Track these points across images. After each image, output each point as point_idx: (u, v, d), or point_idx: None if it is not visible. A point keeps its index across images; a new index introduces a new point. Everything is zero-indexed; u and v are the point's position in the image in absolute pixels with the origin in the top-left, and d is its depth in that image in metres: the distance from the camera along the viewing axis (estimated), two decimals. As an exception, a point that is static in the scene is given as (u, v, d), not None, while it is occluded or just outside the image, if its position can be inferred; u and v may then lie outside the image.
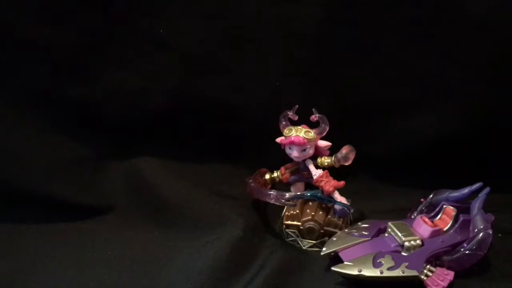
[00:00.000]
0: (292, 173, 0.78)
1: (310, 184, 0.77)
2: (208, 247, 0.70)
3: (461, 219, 0.69)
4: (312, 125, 0.76)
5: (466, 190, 0.72)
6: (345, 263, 0.65)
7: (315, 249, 0.73)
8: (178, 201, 0.80)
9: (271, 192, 0.73)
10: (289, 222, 0.74)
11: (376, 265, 0.64)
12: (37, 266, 0.70)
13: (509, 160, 0.82)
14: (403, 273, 0.63)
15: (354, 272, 0.63)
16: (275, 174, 0.79)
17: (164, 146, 0.87)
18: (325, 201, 0.74)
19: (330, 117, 0.75)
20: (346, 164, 0.75)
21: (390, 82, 0.83)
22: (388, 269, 0.63)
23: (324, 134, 0.75)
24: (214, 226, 0.74)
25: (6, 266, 0.69)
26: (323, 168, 0.76)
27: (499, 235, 0.73)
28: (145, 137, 0.87)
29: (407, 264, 0.64)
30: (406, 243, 0.67)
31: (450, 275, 0.64)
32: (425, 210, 0.74)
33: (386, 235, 0.70)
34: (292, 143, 0.73)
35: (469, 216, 0.69)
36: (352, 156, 0.74)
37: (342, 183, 0.74)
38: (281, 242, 0.74)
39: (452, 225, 0.69)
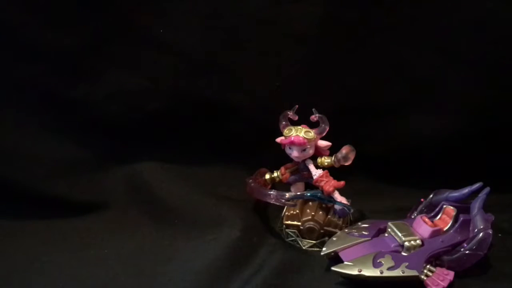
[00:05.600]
0: (292, 173, 0.78)
1: (310, 184, 0.77)
2: (205, 247, 0.70)
3: (461, 219, 0.69)
4: (312, 125, 0.76)
5: (466, 190, 0.72)
6: (345, 263, 0.65)
7: (315, 249, 0.73)
8: (176, 201, 0.80)
9: (271, 192, 0.73)
10: (289, 222, 0.74)
11: (376, 265, 0.64)
12: (34, 265, 0.70)
13: (509, 160, 0.82)
14: (403, 273, 0.63)
15: (354, 272, 0.63)
16: (275, 174, 0.79)
17: (163, 146, 0.87)
18: (325, 201, 0.74)
19: (330, 117, 0.75)
20: (346, 164, 0.75)
21: (390, 82, 0.83)
22: (388, 269, 0.63)
23: (324, 134, 0.75)
24: (212, 226, 0.74)
25: (3, 264, 0.70)
26: (323, 168, 0.76)
27: (499, 235, 0.73)
28: (144, 137, 0.87)
29: (407, 264, 0.64)
30: (406, 243, 0.67)
31: (450, 275, 0.64)
32: (425, 210, 0.74)
33: (386, 235, 0.70)
34: (292, 143, 0.73)
35: (469, 216, 0.69)
36: (352, 156, 0.74)
37: (342, 183, 0.74)
38: (281, 242, 0.74)
39: (452, 225, 0.69)
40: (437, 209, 0.72)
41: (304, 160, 0.76)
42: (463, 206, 0.71)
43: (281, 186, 0.80)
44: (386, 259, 0.65)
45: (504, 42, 0.78)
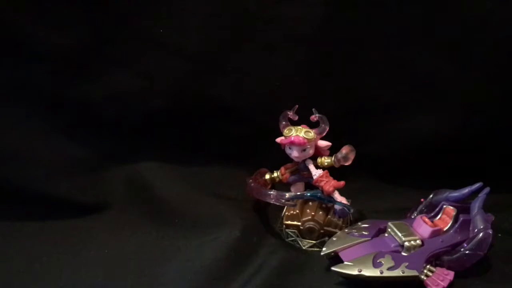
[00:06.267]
0: (292, 173, 0.78)
1: (310, 184, 0.77)
2: (205, 247, 0.70)
3: (461, 219, 0.69)
4: (312, 125, 0.76)
5: (466, 190, 0.72)
6: (345, 263, 0.65)
7: (315, 249, 0.73)
8: (176, 201, 0.80)
9: (271, 192, 0.73)
10: (289, 222, 0.74)
11: (376, 265, 0.64)
12: (35, 265, 0.70)
13: (509, 160, 0.82)
14: (403, 273, 0.63)
15: (354, 272, 0.63)
16: (275, 174, 0.79)
17: (163, 146, 0.87)
18: (325, 201, 0.74)
19: (330, 117, 0.75)
20: (346, 164, 0.75)
21: (390, 82, 0.83)
22: (388, 269, 0.63)
23: (324, 134, 0.75)
24: (212, 226, 0.74)
25: (4, 265, 0.70)
26: (323, 168, 0.76)
27: (499, 235, 0.73)
28: (144, 137, 0.87)
29: (407, 264, 0.64)
30: (406, 243, 0.67)
31: (450, 275, 0.64)
32: (425, 210, 0.74)
33: (386, 235, 0.70)
34: (292, 143, 0.73)
35: (469, 216, 0.69)
36: (352, 156, 0.74)
37: (342, 183, 0.74)
38: (281, 242, 0.74)
39: (452, 225, 0.69)
40: (437, 209, 0.72)
41: (304, 160, 0.76)
42: (463, 206, 0.71)
43: (281, 186, 0.80)
44: (386, 259, 0.65)
45: (504, 42, 0.78)
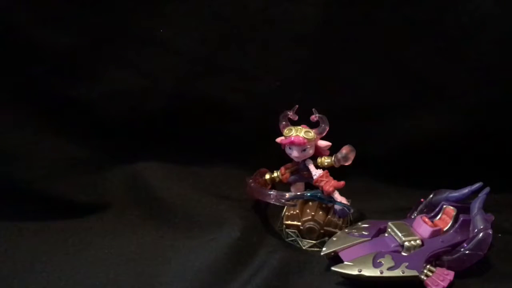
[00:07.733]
0: (292, 173, 0.78)
1: (310, 184, 0.77)
2: (205, 247, 0.70)
3: (461, 219, 0.69)
4: (312, 125, 0.76)
5: (466, 190, 0.72)
6: (345, 263, 0.65)
7: (315, 249, 0.73)
8: (176, 201, 0.80)
9: (271, 192, 0.73)
10: (289, 222, 0.74)
11: (376, 265, 0.64)
12: (34, 265, 0.70)
13: (509, 160, 0.82)
14: (403, 273, 0.63)
15: (354, 272, 0.63)
16: (275, 174, 0.79)
17: (163, 146, 0.87)
18: (325, 201, 0.74)
19: (330, 117, 0.75)
20: (346, 164, 0.75)
21: (390, 82, 0.83)
22: (388, 269, 0.63)
23: (324, 134, 0.75)
24: (212, 226, 0.75)
25: (4, 265, 0.70)
26: (323, 168, 0.76)
27: (499, 235, 0.73)
28: (144, 137, 0.86)
29: (407, 264, 0.64)
30: (406, 243, 0.67)
31: (450, 275, 0.64)
32: (425, 210, 0.74)
33: (386, 235, 0.70)
34: (292, 143, 0.73)
35: (469, 216, 0.69)
36: (352, 156, 0.74)
37: (342, 183, 0.74)
38: (281, 242, 0.74)
39: (452, 225, 0.69)
40: (437, 209, 0.72)
41: (304, 160, 0.76)
42: (463, 206, 0.71)
43: (281, 186, 0.80)
44: (386, 259, 0.65)
45: (504, 42, 0.78)
